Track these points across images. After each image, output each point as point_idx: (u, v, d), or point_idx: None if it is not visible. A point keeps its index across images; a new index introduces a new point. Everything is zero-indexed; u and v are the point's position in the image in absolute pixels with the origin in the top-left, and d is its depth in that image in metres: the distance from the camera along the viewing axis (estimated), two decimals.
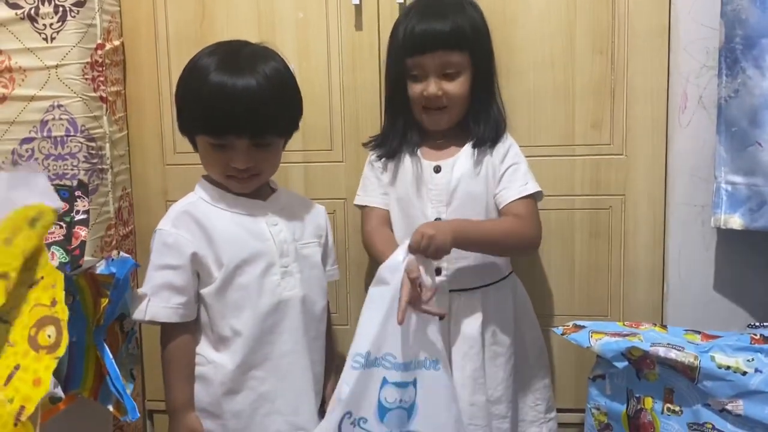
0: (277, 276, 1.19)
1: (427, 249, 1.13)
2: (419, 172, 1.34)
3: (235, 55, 1.15)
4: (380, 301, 1.12)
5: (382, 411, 1.10)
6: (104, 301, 1.13)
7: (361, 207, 1.43)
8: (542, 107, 1.50)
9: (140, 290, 1.19)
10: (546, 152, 1.48)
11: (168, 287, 1.17)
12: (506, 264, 1.40)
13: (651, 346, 1.24)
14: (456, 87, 1.29)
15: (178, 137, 1.60)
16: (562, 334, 1.36)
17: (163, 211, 1.63)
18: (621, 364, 1.27)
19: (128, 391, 1.14)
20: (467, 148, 1.34)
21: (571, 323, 1.39)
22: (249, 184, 1.19)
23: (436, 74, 1.28)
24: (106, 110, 1.52)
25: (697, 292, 1.50)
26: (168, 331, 1.20)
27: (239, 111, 1.09)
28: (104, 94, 1.51)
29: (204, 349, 1.21)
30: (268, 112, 1.12)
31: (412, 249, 1.14)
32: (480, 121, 1.33)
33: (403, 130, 1.36)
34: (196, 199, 1.21)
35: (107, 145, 1.53)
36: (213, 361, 1.19)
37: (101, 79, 1.50)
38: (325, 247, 1.33)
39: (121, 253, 1.10)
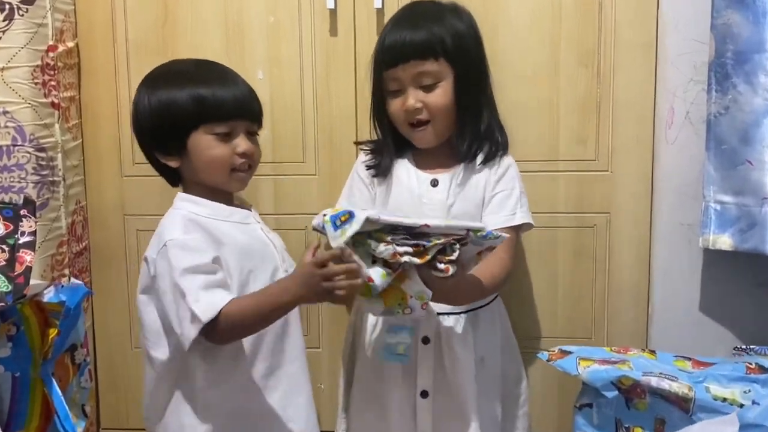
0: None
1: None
2: (415, 184, 1.26)
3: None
4: None
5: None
6: (52, 332, 1.03)
7: None
8: (525, 122, 1.43)
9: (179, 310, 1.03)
10: (529, 168, 1.41)
11: (209, 284, 1.03)
12: None
13: (642, 375, 1.19)
14: (435, 98, 1.21)
15: (137, 146, 1.50)
16: (548, 360, 1.30)
17: (121, 226, 1.57)
18: (610, 394, 1.21)
19: (79, 430, 1.03)
20: (462, 165, 1.26)
21: (556, 348, 1.33)
22: (247, 179, 1.15)
23: (414, 86, 1.21)
24: (59, 117, 1.41)
25: (683, 314, 1.46)
26: (227, 311, 1.02)
27: (242, 93, 1.11)
28: (56, 100, 1.40)
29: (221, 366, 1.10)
30: (251, 97, 1.14)
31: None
32: (465, 136, 1.25)
33: (391, 146, 1.28)
34: (186, 213, 1.11)
35: (59, 155, 1.41)
36: (231, 376, 1.10)
37: (53, 83, 1.39)
38: None
39: (72, 279, 0.99)
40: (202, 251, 1.05)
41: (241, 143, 1.10)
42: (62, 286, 1.02)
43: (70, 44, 1.45)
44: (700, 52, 1.37)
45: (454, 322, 1.25)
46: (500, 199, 1.25)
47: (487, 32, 1.31)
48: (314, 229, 1.05)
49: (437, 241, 1.02)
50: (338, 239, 0.97)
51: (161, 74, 1.13)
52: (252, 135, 1.14)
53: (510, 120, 1.40)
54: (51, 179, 1.40)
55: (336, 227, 0.98)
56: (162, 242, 1.05)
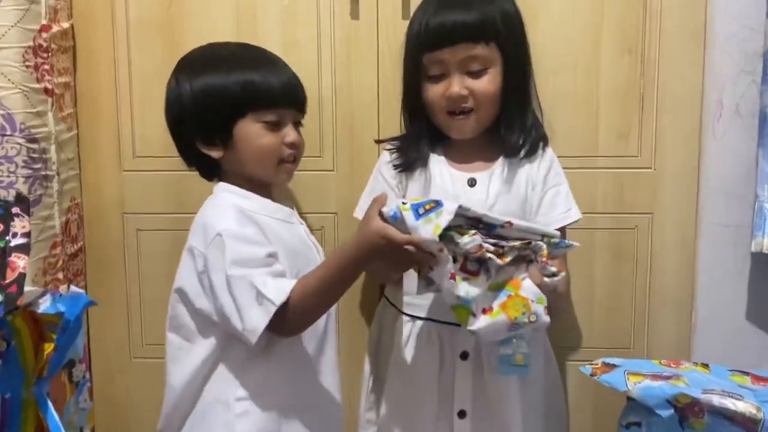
0: None
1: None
2: (449, 184, 1.15)
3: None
4: None
5: None
6: (48, 347, 0.90)
7: None
8: (562, 114, 1.32)
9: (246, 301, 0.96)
10: (565, 164, 1.29)
11: (275, 273, 0.98)
12: None
13: (703, 393, 1.08)
14: (484, 85, 1.10)
15: (139, 138, 1.39)
16: (592, 375, 1.19)
17: (120, 226, 1.44)
18: (666, 413, 1.10)
19: None
20: (503, 159, 1.15)
21: (599, 361, 1.22)
22: (293, 171, 1.11)
23: (460, 71, 1.09)
24: (52, 105, 1.28)
25: (729, 323, 1.36)
26: (297, 291, 0.97)
27: (292, 82, 1.08)
28: (50, 86, 1.27)
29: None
30: (301, 85, 1.11)
31: None
32: (514, 127, 1.14)
33: (424, 138, 1.17)
34: (234, 204, 1.03)
35: (53, 146, 1.28)
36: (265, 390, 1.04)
37: (46, 67, 1.26)
38: None
39: (72, 287, 0.87)
40: (260, 244, 0.99)
41: (290, 133, 1.06)
42: (60, 294, 0.89)
43: (65, 25, 1.32)
44: (753, 40, 1.27)
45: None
46: (551, 197, 1.15)
47: (525, 20, 1.19)
48: (383, 218, 0.94)
49: (514, 244, 0.92)
50: (425, 229, 0.88)
51: (203, 58, 1.08)
52: (298, 126, 1.09)
53: (547, 112, 1.29)
54: (43, 173, 1.27)
55: (419, 216, 0.89)
56: (214, 232, 0.98)
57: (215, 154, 1.06)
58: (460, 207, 0.90)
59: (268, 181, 1.09)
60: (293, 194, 1.38)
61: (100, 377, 1.45)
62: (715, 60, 1.30)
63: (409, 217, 0.90)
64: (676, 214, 1.35)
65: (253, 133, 1.04)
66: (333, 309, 1.08)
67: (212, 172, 1.11)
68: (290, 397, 1.05)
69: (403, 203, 0.92)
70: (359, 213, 1.24)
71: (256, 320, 0.94)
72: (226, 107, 1.03)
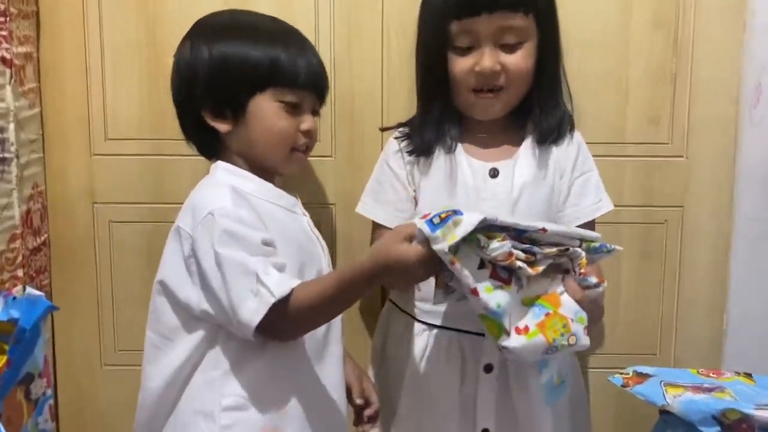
0: None
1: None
2: (468, 176, 1.02)
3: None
4: None
5: None
6: (1, 361, 0.75)
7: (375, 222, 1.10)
8: (588, 96, 1.19)
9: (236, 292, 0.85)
10: (590, 151, 1.17)
11: (275, 264, 0.86)
12: None
13: (756, 408, 0.96)
14: (518, 60, 0.97)
15: (111, 118, 1.23)
16: (624, 386, 1.07)
17: (90, 217, 1.28)
18: (710, 430, 0.98)
19: None
20: (527, 145, 1.02)
21: (630, 370, 1.10)
22: (304, 162, 1.03)
23: (492, 44, 0.96)
24: (11, 78, 1.12)
25: (764, 326, 1.25)
26: (297, 294, 0.86)
27: (318, 65, 1.00)
28: (8, 55, 1.11)
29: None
30: (325, 72, 1.02)
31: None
32: (548, 109, 1.02)
33: (439, 118, 1.03)
34: (231, 185, 0.93)
35: (11, 125, 1.13)
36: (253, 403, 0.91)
37: (3, 33, 1.10)
38: None
39: (29, 289, 0.72)
40: (256, 228, 0.88)
41: (308, 119, 0.98)
42: (14, 298, 0.74)
43: None
44: None
45: None
46: (581, 185, 1.03)
47: None
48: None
49: (550, 251, 0.80)
50: (441, 243, 0.76)
51: (226, 24, 0.99)
52: (316, 114, 1.02)
53: (571, 93, 1.16)
54: (0, 156, 1.11)
55: (434, 227, 0.76)
56: (205, 211, 0.88)
57: (223, 127, 0.96)
58: (484, 219, 0.77)
59: (274, 168, 0.99)
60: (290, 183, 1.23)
61: (66, 390, 1.29)
62: (755, 41, 1.19)
63: (423, 226, 0.77)
64: (709, 207, 1.23)
65: (270, 111, 0.95)
66: None
67: (213, 149, 1.00)
68: (285, 405, 0.92)
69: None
70: (363, 209, 1.10)
71: (251, 312, 0.83)
72: (247, 78, 0.94)
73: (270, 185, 0.98)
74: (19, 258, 1.15)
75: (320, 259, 0.98)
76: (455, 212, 0.78)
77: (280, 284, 0.84)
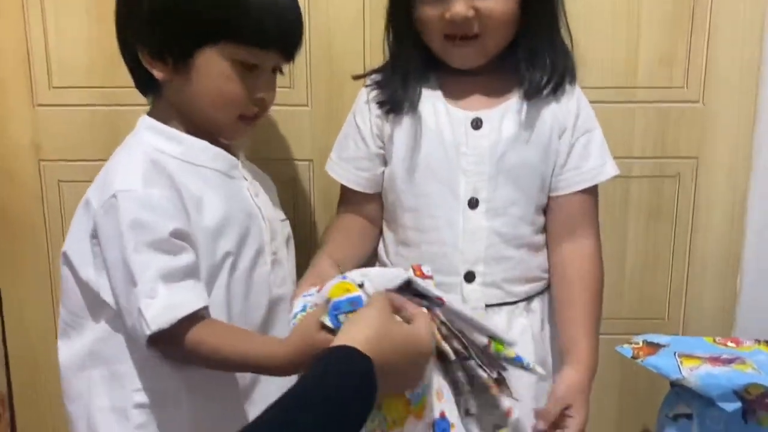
0: (267, 266, 0.87)
1: None
2: (446, 127, 0.89)
3: None
4: None
5: None
6: None
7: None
8: (594, 34, 1.07)
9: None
10: (596, 96, 1.02)
11: (172, 272, 0.75)
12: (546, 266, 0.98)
13: None
14: (494, 4, 0.83)
15: (56, 63, 1.08)
16: (634, 358, 0.98)
17: (36, 176, 1.13)
18: (731, 406, 0.90)
19: None
20: (519, 95, 0.89)
21: (639, 340, 1.01)
22: (250, 132, 0.89)
23: None
24: None
25: None
26: (199, 325, 0.75)
27: (292, 20, 0.85)
28: None
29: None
30: (300, 29, 0.87)
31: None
32: (536, 60, 0.88)
33: (414, 66, 0.90)
34: (151, 149, 0.82)
35: None
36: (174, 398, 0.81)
37: None
38: None
39: None
40: (166, 216, 0.76)
41: (263, 87, 0.85)
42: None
43: None
44: None
45: (507, 315, 0.91)
46: (583, 146, 0.91)
47: None
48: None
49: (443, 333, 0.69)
50: None
51: None
52: (277, 73, 0.88)
53: (575, 32, 1.01)
54: None
55: (338, 323, 0.64)
56: (111, 190, 0.76)
57: (159, 74, 0.82)
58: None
59: (214, 132, 0.86)
60: (258, 135, 1.09)
61: (20, 368, 1.17)
62: None
63: (327, 321, 0.65)
64: (726, 159, 1.12)
65: (218, 70, 0.81)
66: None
67: (149, 87, 0.86)
68: (218, 401, 0.83)
69: (312, 296, 0.71)
70: (328, 166, 0.97)
71: (138, 331, 0.73)
72: (197, 24, 0.80)
73: (204, 144, 0.84)
74: None
75: (259, 234, 0.85)
76: (358, 302, 0.65)
77: (159, 315, 0.72)
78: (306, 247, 1.07)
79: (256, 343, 0.76)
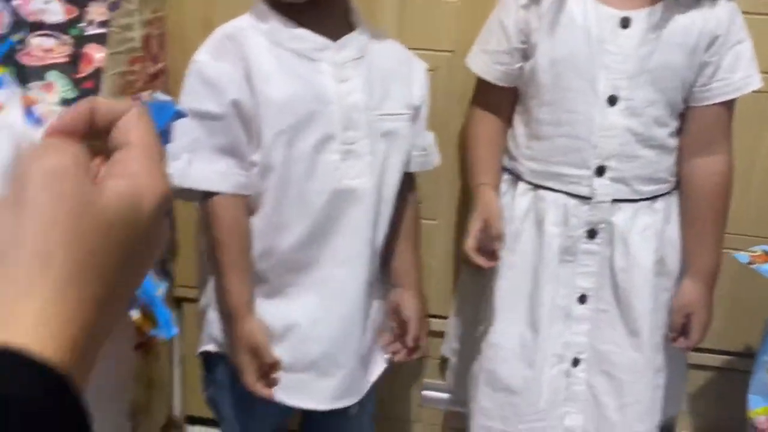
0: (337, 156, 0.87)
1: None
2: (594, 23, 0.92)
3: None
4: None
5: None
6: None
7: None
8: None
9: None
10: (745, 6, 1.01)
11: (210, 144, 0.86)
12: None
13: None
14: None
15: None
16: (749, 263, 1.01)
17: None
18: None
19: (159, 293, 0.80)
20: None
21: (759, 249, 1.03)
22: None
23: None
24: None
25: None
26: (214, 205, 0.87)
27: None
28: None
29: None
30: None
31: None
32: None
33: None
34: (245, 25, 0.89)
35: None
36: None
37: None
38: (418, 121, 0.99)
39: (157, 95, 0.72)
40: (217, 92, 0.85)
41: None
42: (143, 103, 0.74)
43: None
44: None
45: (632, 211, 0.96)
46: (734, 57, 0.92)
47: None
48: None
49: None
50: None
51: None
52: None
53: None
54: None
55: None
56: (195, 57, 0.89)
57: None
58: None
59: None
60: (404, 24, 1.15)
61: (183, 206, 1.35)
62: None
63: None
64: None
65: None
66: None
67: None
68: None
69: None
70: (472, 61, 1.02)
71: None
72: None
73: (286, 22, 0.87)
74: (139, 82, 1.17)
75: (329, 123, 0.87)
76: None
77: (194, 173, 0.85)
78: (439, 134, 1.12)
79: (237, 277, 0.88)
